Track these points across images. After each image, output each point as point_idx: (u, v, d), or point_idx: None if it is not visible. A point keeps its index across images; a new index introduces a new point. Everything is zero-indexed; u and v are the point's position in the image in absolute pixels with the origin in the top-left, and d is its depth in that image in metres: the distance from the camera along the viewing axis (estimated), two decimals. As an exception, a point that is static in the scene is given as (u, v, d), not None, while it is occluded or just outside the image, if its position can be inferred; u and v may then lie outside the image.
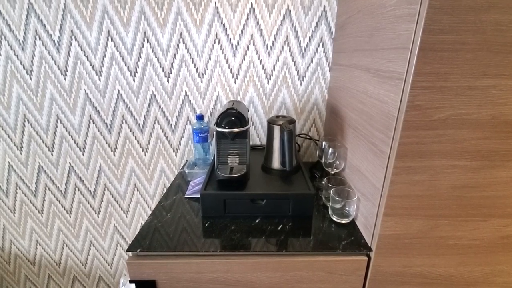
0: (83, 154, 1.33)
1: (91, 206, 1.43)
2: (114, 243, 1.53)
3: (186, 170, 1.12)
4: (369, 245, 0.77)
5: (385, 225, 0.71)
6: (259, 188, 0.91)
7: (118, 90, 1.23)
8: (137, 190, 1.41)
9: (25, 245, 1.51)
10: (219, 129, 0.89)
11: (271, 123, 1.00)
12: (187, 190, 1.04)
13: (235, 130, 0.88)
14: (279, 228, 0.84)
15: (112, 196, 1.42)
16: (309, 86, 1.25)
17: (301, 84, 1.24)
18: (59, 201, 1.42)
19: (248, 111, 1.13)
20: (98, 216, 1.46)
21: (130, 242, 1.51)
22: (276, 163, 1.03)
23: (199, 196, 0.96)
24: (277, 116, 1.04)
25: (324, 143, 1.05)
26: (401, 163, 0.66)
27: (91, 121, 1.28)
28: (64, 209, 1.44)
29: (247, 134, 0.93)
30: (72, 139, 1.31)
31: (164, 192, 1.18)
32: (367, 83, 0.80)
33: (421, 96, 0.61)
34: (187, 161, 1.32)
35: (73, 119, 1.28)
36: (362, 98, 0.84)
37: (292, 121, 1.00)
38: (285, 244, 0.77)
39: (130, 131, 1.30)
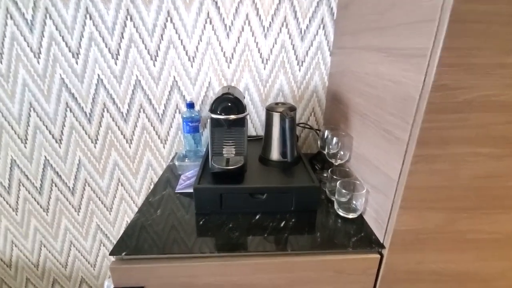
0: (59, 146, 1.21)
1: (70, 204, 1.31)
2: (97, 243, 1.41)
3: (176, 163, 1.02)
4: (382, 241, 0.70)
5: (401, 220, 0.65)
6: (259, 181, 0.83)
7: (98, 75, 1.11)
8: (121, 185, 1.29)
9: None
10: (214, 116, 0.79)
11: (270, 110, 0.92)
12: (178, 185, 0.95)
13: (232, 117, 0.79)
14: (281, 225, 0.76)
15: (94, 192, 1.30)
16: (308, 72, 1.17)
17: (299, 69, 1.16)
18: (34, 198, 1.29)
19: (244, 98, 1.04)
20: (78, 214, 1.34)
21: (114, 242, 1.40)
22: (275, 154, 0.94)
23: (191, 191, 0.87)
24: (277, 103, 0.95)
25: (326, 132, 0.98)
26: (422, 150, 0.59)
27: (68, 109, 1.15)
28: (41, 207, 1.31)
29: (245, 121, 0.84)
30: (47, 129, 1.18)
31: (151, 187, 1.08)
32: (379, 64, 0.72)
33: (448, 74, 0.54)
34: (176, 153, 1.22)
35: (47, 107, 1.14)
36: (371, 81, 0.76)
37: (293, 108, 0.92)
38: (289, 243, 0.70)
39: (113, 120, 1.18)
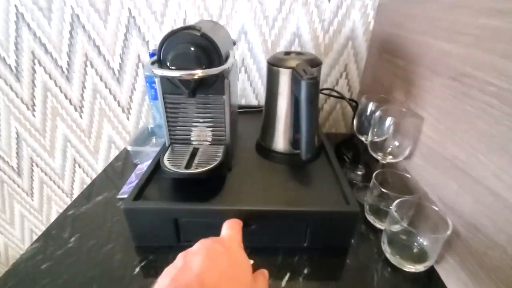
0: (-14, 114, 0.87)
1: (19, 187, 1.02)
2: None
3: (129, 147, 0.67)
4: None
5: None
6: (248, 196, 0.47)
7: (16, 6, 0.72)
8: (79, 167, 0.98)
9: None
10: (160, 72, 0.40)
11: (274, 64, 0.51)
12: (124, 184, 0.60)
13: (197, 74, 0.40)
14: (284, 278, 0.41)
15: (46, 175, 0.99)
16: (342, 5, 0.72)
17: (329, 1, 0.72)
18: (-28, 179, 1.01)
19: (235, 44, 0.63)
20: (32, 200, 1.05)
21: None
22: (280, 142, 0.56)
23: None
24: (288, 53, 0.54)
25: (371, 105, 0.57)
26: None
27: (-17, 60, 0.79)
28: (-16, 189, 1.03)
29: (224, 84, 0.45)
30: (-36, 89, 0.84)
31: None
32: None
33: None
34: (148, 128, 0.86)
35: (-43, 57, 0.79)
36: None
37: (315, 62, 0.51)
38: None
39: (50, 78, 0.81)
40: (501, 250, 0.33)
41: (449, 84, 0.43)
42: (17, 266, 0.42)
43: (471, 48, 0.39)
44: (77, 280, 0.40)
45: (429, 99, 0.48)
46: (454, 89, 0.42)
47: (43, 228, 1.12)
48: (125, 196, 0.56)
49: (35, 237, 1.15)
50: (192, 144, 0.51)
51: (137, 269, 0.42)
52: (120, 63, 0.79)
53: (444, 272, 0.43)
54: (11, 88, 0.83)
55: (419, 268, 0.43)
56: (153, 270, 0.42)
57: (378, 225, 0.51)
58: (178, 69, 0.40)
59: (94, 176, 0.99)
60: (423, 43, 0.50)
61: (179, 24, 0.74)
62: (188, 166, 0.44)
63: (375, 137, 0.54)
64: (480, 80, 0.37)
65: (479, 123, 0.37)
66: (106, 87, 0.83)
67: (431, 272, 0.43)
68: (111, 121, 0.88)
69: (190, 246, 0.30)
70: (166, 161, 0.45)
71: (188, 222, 0.44)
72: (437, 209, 0.43)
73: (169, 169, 0.43)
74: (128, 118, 0.88)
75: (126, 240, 0.47)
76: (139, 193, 0.45)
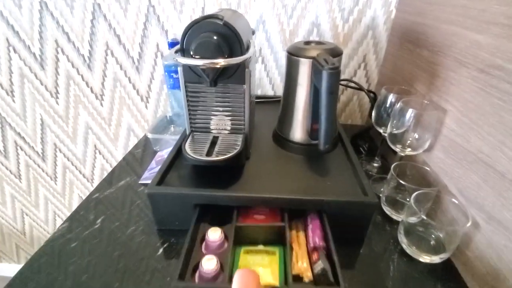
0: (13, 100, 0.91)
1: (43, 171, 1.07)
2: (83, 215, 1.21)
3: (149, 135, 0.68)
4: (503, 335, 0.34)
5: None
6: (266, 184, 0.48)
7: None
8: (100, 153, 1.01)
9: (-22, 211, 1.22)
10: (184, 61, 0.41)
11: (294, 54, 0.51)
12: (145, 171, 0.62)
13: (219, 63, 0.40)
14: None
15: (68, 160, 1.04)
16: (364, -8, 0.70)
17: (350, -12, 0.70)
18: (1, 163, 1.06)
19: (254, 34, 0.63)
20: (56, 184, 1.10)
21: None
22: (298, 132, 0.57)
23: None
24: (307, 42, 0.54)
25: (391, 97, 0.57)
26: None
27: (10, 48, 0.82)
28: (11, 172, 1.09)
29: (245, 73, 0.45)
30: (-7, 77, 0.87)
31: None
32: None
33: None
34: (166, 116, 0.88)
35: (-14, 46, 0.82)
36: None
37: (336, 51, 0.51)
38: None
39: (73, 66, 0.84)
40: (524, 245, 0.33)
41: (477, 76, 0.42)
42: (49, 243, 0.45)
43: (502, 39, 0.37)
44: (104, 259, 0.43)
45: (454, 91, 0.47)
46: (482, 82, 0.41)
47: (66, 211, 1.18)
48: (146, 181, 0.58)
49: (58, 220, 1.22)
50: (211, 132, 0.52)
51: (160, 250, 0.44)
52: (139, 52, 0.81)
53: (461, 265, 0.43)
54: (35, 76, 0.86)
55: (435, 259, 0.43)
56: (175, 252, 0.44)
57: (395, 216, 0.51)
58: (201, 58, 0.41)
59: (113, 162, 1.03)
60: (450, 33, 0.49)
61: (198, 13, 0.74)
62: (209, 153, 0.46)
63: (394, 129, 0.54)
64: (511, 73, 0.35)
65: (507, 117, 0.36)
66: (126, 75, 0.84)
67: (448, 264, 0.43)
68: (130, 110, 0.91)
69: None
70: (188, 148, 0.46)
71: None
72: (456, 202, 0.43)
73: (191, 156, 0.44)
74: (146, 107, 0.90)
75: (148, 223, 0.49)
76: (162, 178, 0.46)
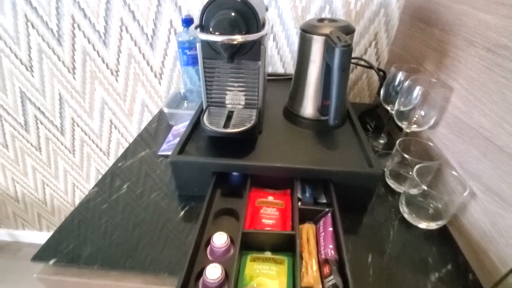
0: (32, 75, 0.95)
1: (62, 144, 1.13)
2: (100, 187, 1.28)
3: (166, 109, 0.72)
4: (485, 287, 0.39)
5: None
6: (276, 155, 0.51)
7: (57, -30, 0.75)
8: (115, 128, 1.05)
9: (1, 181, 1.30)
10: (204, 37, 0.44)
11: (308, 31, 0.53)
12: (164, 143, 0.66)
13: (237, 39, 0.43)
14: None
15: (86, 134, 1.08)
16: (379, -32, 0.70)
17: (365, -37, 0.69)
18: (22, 136, 1.12)
19: (267, 10, 0.64)
20: (74, 157, 1.16)
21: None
22: (309, 108, 0.59)
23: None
24: (321, 20, 0.55)
25: (400, 75, 0.58)
26: None
27: (29, 23, 0.84)
28: (32, 145, 1.14)
29: (261, 50, 0.48)
30: (11, 52, 0.90)
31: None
32: None
33: None
34: (180, 92, 0.91)
35: (3, 19, 0.85)
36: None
37: (349, 29, 0.52)
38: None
39: (89, 42, 0.86)
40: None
41: (483, 55, 0.43)
42: (82, 205, 0.50)
43: (509, 19, 0.39)
44: (132, 219, 0.48)
45: (461, 69, 0.49)
46: (488, 60, 0.42)
47: (84, 183, 1.25)
48: (165, 153, 0.63)
49: (77, 191, 1.29)
50: (226, 107, 0.56)
51: (182, 213, 0.49)
52: (153, 29, 0.82)
53: (456, 231, 0.47)
54: (53, 51, 0.89)
55: (432, 225, 0.47)
56: (195, 215, 0.49)
57: (397, 189, 0.55)
58: (219, 34, 0.43)
59: (128, 137, 1.07)
60: (461, 12, 0.50)
61: (211, -11, 0.75)
62: (225, 126, 0.49)
63: (402, 107, 0.56)
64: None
65: (509, 94, 0.38)
66: (140, 52, 0.87)
67: (444, 231, 0.47)
68: (144, 86, 0.94)
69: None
70: (206, 120, 0.49)
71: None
72: (456, 174, 0.46)
73: (209, 127, 0.48)
74: (160, 83, 0.93)
75: (168, 190, 0.54)
76: (182, 148, 0.50)
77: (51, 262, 0.41)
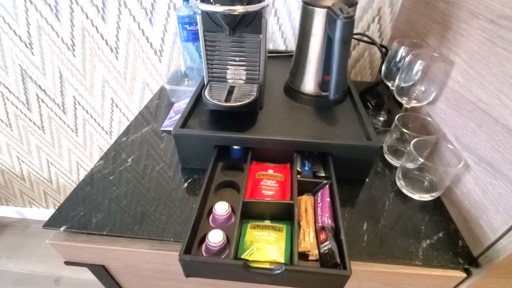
0: (32, 53, 0.94)
1: (65, 123, 1.14)
2: (103, 166, 1.30)
3: (167, 86, 0.72)
4: (475, 255, 0.41)
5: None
6: (277, 129, 0.52)
7: None
8: (117, 106, 1.06)
9: (6, 160, 1.32)
10: (204, 7, 0.43)
11: (310, 4, 0.52)
12: (166, 119, 0.67)
13: (238, 9, 0.42)
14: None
15: (87, 113, 1.09)
16: None
17: None
18: (25, 115, 1.13)
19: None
20: (77, 135, 1.18)
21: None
22: (310, 84, 0.60)
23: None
24: (323, -8, 0.54)
25: (402, 50, 0.58)
26: None
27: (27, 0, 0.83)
28: (34, 124, 1.15)
29: (261, 23, 0.47)
30: (10, 28, 0.89)
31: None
32: None
33: None
34: (180, 70, 0.90)
35: (1, -4, 0.83)
36: None
37: (352, 2, 0.51)
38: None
39: (87, 18, 0.85)
40: (505, 179, 0.38)
41: (486, 27, 0.43)
42: (89, 176, 0.52)
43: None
44: (139, 189, 0.50)
45: (464, 42, 0.48)
46: (490, 32, 0.42)
47: (88, 161, 1.27)
48: (167, 128, 0.64)
49: (81, 169, 1.31)
50: (227, 82, 0.56)
51: (186, 184, 0.51)
52: (152, 3, 0.81)
53: (449, 202, 0.48)
54: (52, 27, 0.88)
55: (426, 197, 0.49)
56: (198, 186, 0.50)
57: (395, 163, 0.56)
58: (221, 3, 0.43)
59: (130, 115, 1.08)
60: (467, -18, 0.49)
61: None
62: (227, 100, 0.50)
63: (402, 82, 0.56)
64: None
65: (509, 65, 0.38)
66: (139, 28, 0.85)
67: (437, 202, 0.49)
68: (144, 63, 0.93)
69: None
70: (207, 95, 0.50)
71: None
72: (452, 147, 0.47)
73: (211, 101, 0.48)
74: (160, 61, 0.92)
75: (172, 163, 0.55)
76: (184, 122, 0.51)
77: (62, 228, 0.44)
